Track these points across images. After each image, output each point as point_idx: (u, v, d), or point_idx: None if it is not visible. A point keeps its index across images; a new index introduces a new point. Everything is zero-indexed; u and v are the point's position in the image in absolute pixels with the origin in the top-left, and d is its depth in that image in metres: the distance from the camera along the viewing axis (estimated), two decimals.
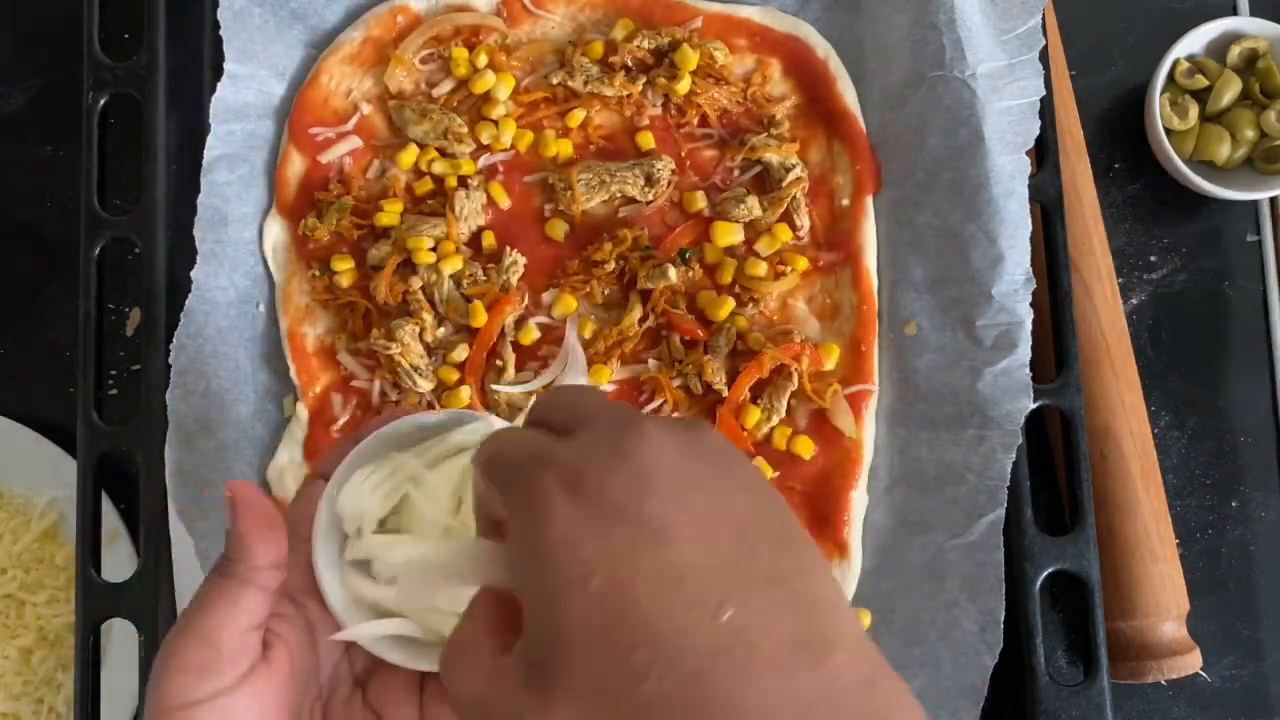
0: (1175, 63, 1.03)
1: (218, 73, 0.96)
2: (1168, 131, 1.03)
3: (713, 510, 0.48)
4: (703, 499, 0.48)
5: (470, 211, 0.98)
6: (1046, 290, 0.94)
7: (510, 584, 0.50)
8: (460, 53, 0.99)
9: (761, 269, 0.97)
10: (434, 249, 0.97)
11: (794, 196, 0.97)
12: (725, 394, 0.94)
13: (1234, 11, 1.10)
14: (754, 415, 0.94)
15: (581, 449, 0.49)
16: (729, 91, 1.00)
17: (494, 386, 0.95)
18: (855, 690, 0.44)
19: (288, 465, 0.96)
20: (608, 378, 0.95)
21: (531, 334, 0.96)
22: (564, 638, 0.45)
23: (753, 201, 0.97)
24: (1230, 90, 1.02)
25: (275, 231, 0.99)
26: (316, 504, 0.63)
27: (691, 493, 0.48)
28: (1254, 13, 1.10)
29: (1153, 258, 1.07)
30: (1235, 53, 1.04)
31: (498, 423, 0.67)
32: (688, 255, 0.97)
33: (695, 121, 0.99)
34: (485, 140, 0.99)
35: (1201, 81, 1.04)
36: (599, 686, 0.44)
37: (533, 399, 0.94)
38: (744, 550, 0.47)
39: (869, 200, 0.98)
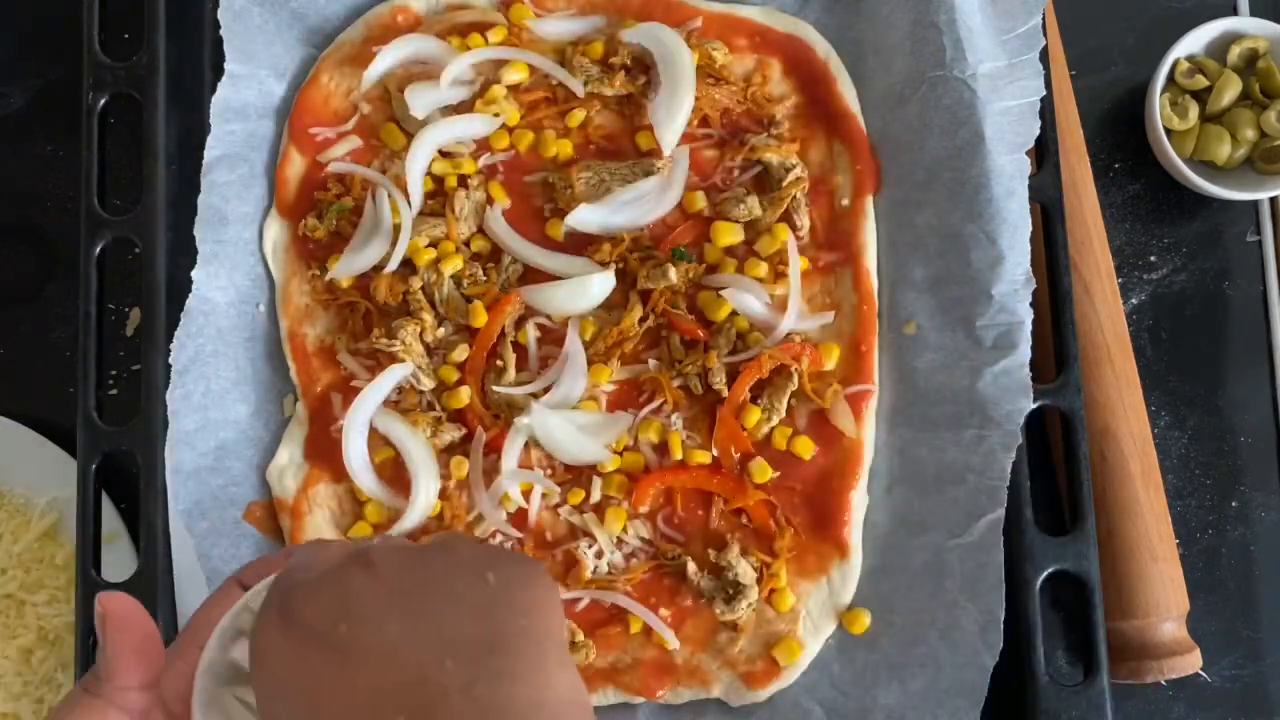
0: (1175, 63, 1.03)
1: (218, 73, 0.96)
2: (1168, 131, 1.03)
3: (411, 629, 0.50)
4: (400, 620, 0.50)
5: (470, 211, 0.98)
6: (1046, 290, 0.94)
7: None
8: (476, 38, 1.00)
9: (761, 269, 0.97)
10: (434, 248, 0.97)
11: (794, 196, 0.97)
12: (725, 394, 0.94)
13: (1234, 11, 1.10)
14: (754, 415, 0.94)
15: (299, 581, 0.52)
16: (729, 91, 1.00)
17: (494, 387, 0.95)
18: None
19: (288, 465, 0.96)
20: (608, 378, 0.95)
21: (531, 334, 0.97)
22: None
23: (753, 201, 0.97)
24: (1230, 90, 1.02)
25: (275, 231, 0.99)
26: (222, 611, 0.60)
27: (392, 614, 0.50)
28: (1254, 13, 1.10)
29: (1153, 258, 1.07)
30: (1235, 53, 1.04)
31: None
32: (683, 253, 0.97)
33: (695, 122, 0.99)
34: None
35: (1201, 81, 1.04)
36: None
37: (532, 400, 0.94)
38: (434, 663, 0.49)
39: (869, 200, 0.98)
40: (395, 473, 0.95)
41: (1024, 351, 0.91)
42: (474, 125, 0.99)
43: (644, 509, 0.94)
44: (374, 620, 0.50)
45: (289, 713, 0.50)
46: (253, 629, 0.53)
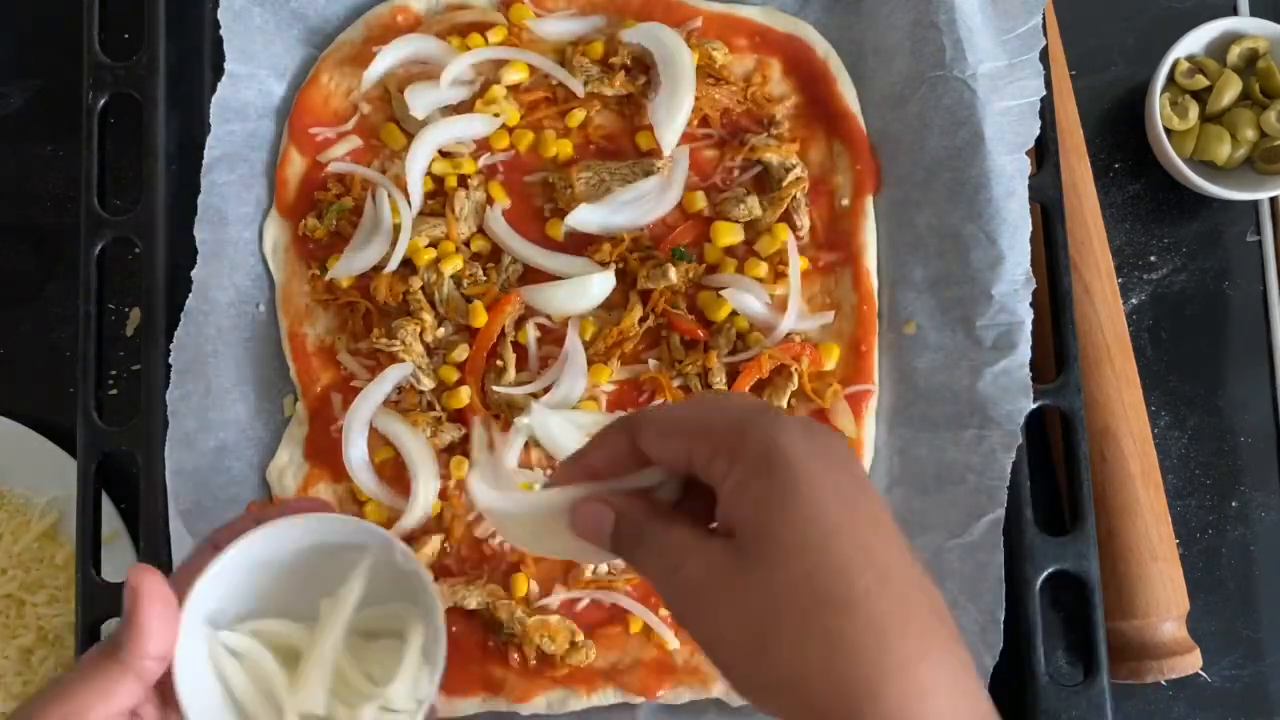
0: (1175, 63, 1.03)
1: (218, 73, 0.96)
2: (1168, 131, 1.03)
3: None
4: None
5: (470, 211, 0.98)
6: (1046, 290, 0.94)
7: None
8: (476, 38, 1.00)
9: (761, 269, 0.97)
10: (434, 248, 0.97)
11: (794, 196, 0.97)
12: None
13: (1234, 11, 1.10)
14: None
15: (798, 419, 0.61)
16: (729, 91, 1.00)
17: (494, 387, 0.95)
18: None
19: (288, 465, 0.96)
20: (608, 378, 0.95)
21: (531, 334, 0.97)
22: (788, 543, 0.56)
23: (753, 201, 0.97)
24: (1230, 90, 1.02)
25: (275, 231, 0.99)
26: (197, 572, 0.65)
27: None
28: (1254, 13, 1.10)
29: (1153, 258, 1.07)
30: (1235, 53, 1.04)
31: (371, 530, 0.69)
32: (683, 253, 0.97)
33: (695, 122, 0.99)
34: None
35: (1201, 81, 1.04)
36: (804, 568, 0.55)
37: (532, 400, 0.94)
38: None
39: (869, 200, 0.98)
40: (395, 473, 0.95)
41: (1024, 351, 0.91)
42: (474, 125, 0.99)
43: None
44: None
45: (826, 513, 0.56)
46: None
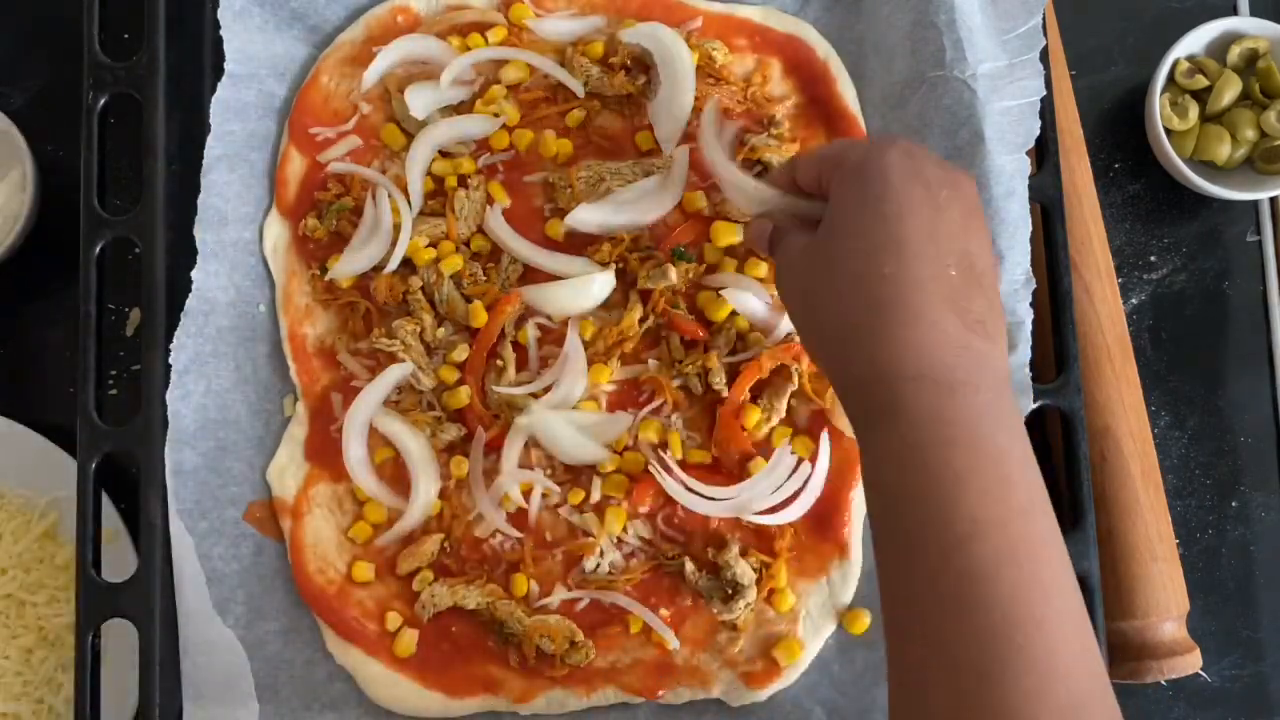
0: (1175, 63, 1.03)
1: (218, 73, 0.96)
2: (1168, 131, 1.03)
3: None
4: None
5: (470, 211, 0.98)
6: (1046, 290, 0.94)
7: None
8: (476, 38, 1.00)
9: (762, 269, 0.97)
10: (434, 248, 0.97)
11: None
12: (725, 394, 0.94)
13: (1234, 11, 1.10)
14: (754, 415, 0.94)
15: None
16: (729, 91, 1.00)
17: (494, 387, 0.95)
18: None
19: (288, 465, 0.96)
20: (608, 378, 0.95)
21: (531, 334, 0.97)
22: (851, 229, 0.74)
23: None
24: (1230, 90, 1.02)
25: (275, 231, 0.99)
26: None
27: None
28: (1254, 13, 1.10)
29: (1153, 258, 1.07)
30: (1235, 53, 1.04)
31: None
32: (683, 253, 0.97)
33: (695, 122, 0.99)
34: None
35: (1201, 81, 1.04)
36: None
37: (532, 400, 0.94)
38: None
39: None
40: (395, 473, 0.95)
41: (1024, 351, 0.91)
42: (474, 125, 0.99)
43: (644, 509, 0.95)
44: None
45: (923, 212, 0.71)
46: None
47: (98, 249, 0.94)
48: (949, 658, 0.63)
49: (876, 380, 0.69)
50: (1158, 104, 1.02)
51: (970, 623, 0.62)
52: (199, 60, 1.00)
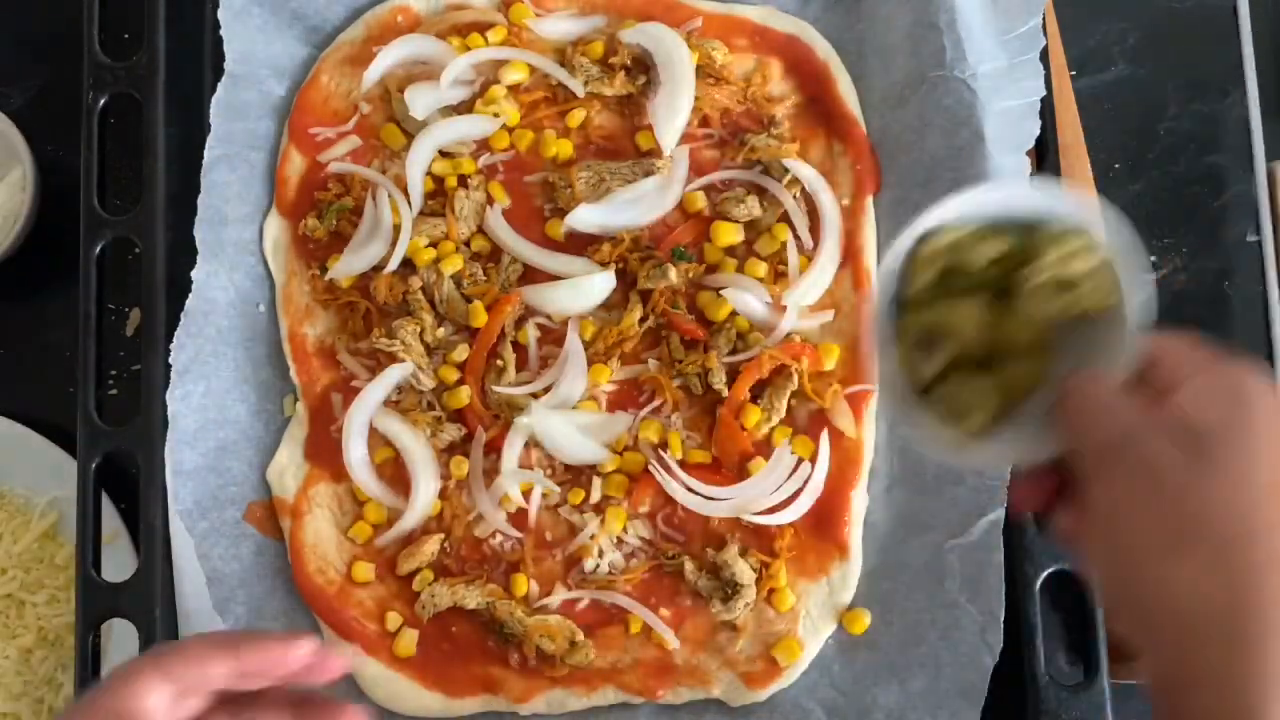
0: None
1: (218, 73, 0.97)
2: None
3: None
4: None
5: (470, 212, 0.98)
6: None
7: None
8: (476, 39, 1.00)
9: (761, 269, 0.97)
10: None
11: (794, 197, 0.97)
12: (725, 394, 0.94)
13: (1234, 13, 1.10)
14: (754, 415, 0.94)
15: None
16: (729, 91, 1.00)
17: (494, 387, 0.95)
18: None
19: (288, 465, 0.96)
20: (608, 378, 0.95)
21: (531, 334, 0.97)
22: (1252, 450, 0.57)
23: (753, 201, 0.97)
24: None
25: (275, 231, 0.99)
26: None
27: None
28: (1254, 13, 1.10)
29: (1153, 258, 1.07)
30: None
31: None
32: (683, 253, 0.97)
33: (695, 122, 0.99)
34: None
35: None
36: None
37: (532, 400, 0.94)
38: None
39: (869, 200, 0.98)
40: (395, 473, 0.95)
41: None
42: (475, 125, 0.99)
43: (644, 509, 0.94)
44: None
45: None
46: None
47: (98, 249, 0.94)
48: None
49: None
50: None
51: None
52: (199, 60, 1.00)
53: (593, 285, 0.94)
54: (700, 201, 0.98)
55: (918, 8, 0.96)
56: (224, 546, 0.94)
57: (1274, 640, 0.53)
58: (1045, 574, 0.90)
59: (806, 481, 0.93)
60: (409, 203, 0.96)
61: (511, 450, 0.94)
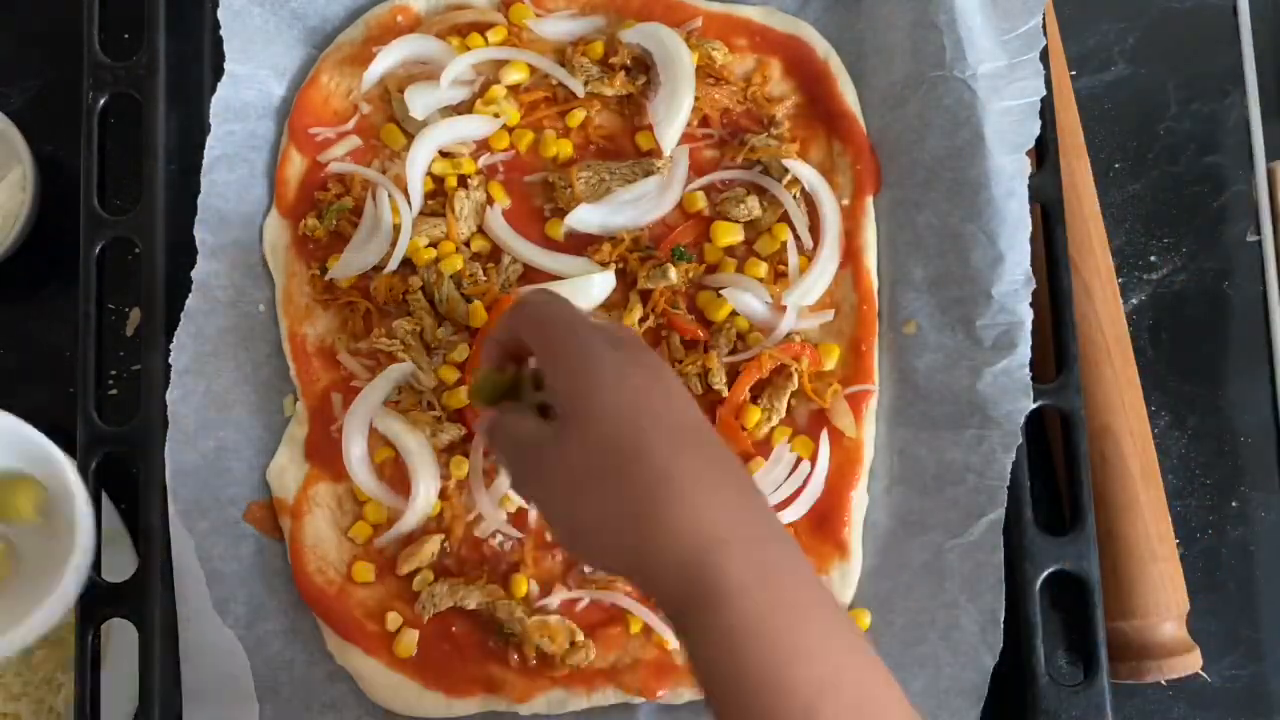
0: None
1: (218, 73, 0.96)
2: None
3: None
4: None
5: (470, 211, 0.98)
6: (1046, 290, 0.94)
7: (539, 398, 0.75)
8: (476, 39, 1.00)
9: (761, 269, 0.97)
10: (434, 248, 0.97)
11: (794, 197, 0.97)
12: (725, 394, 0.94)
13: (1234, 13, 1.10)
14: (754, 415, 0.94)
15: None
16: (729, 91, 1.00)
17: None
18: None
19: (288, 465, 0.96)
20: None
21: None
22: (593, 412, 0.69)
23: (753, 202, 0.97)
24: None
25: (275, 231, 0.99)
26: None
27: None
28: (1254, 13, 1.10)
29: (1153, 258, 1.07)
30: None
31: None
32: (683, 253, 0.97)
33: (695, 122, 0.99)
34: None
35: None
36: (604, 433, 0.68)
37: None
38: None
39: (869, 200, 0.98)
40: (395, 473, 0.95)
41: (1024, 351, 0.91)
42: (475, 126, 0.99)
43: None
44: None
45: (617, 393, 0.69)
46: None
47: (98, 249, 0.94)
48: None
49: (676, 569, 0.65)
50: None
51: None
52: (199, 60, 1.00)
53: (593, 285, 0.94)
54: (700, 201, 0.98)
55: (918, 8, 0.96)
56: (224, 546, 0.94)
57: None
58: (1045, 574, 0.90)
59: (806, 481, 0.94)
60: (409, 203, 0.96)
61: None
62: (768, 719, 0.62)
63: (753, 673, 0.63)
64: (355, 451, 0.94)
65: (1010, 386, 0.91)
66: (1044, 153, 0.96)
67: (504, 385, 0.77)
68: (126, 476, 0.94)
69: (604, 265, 0.96)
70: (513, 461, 0.74)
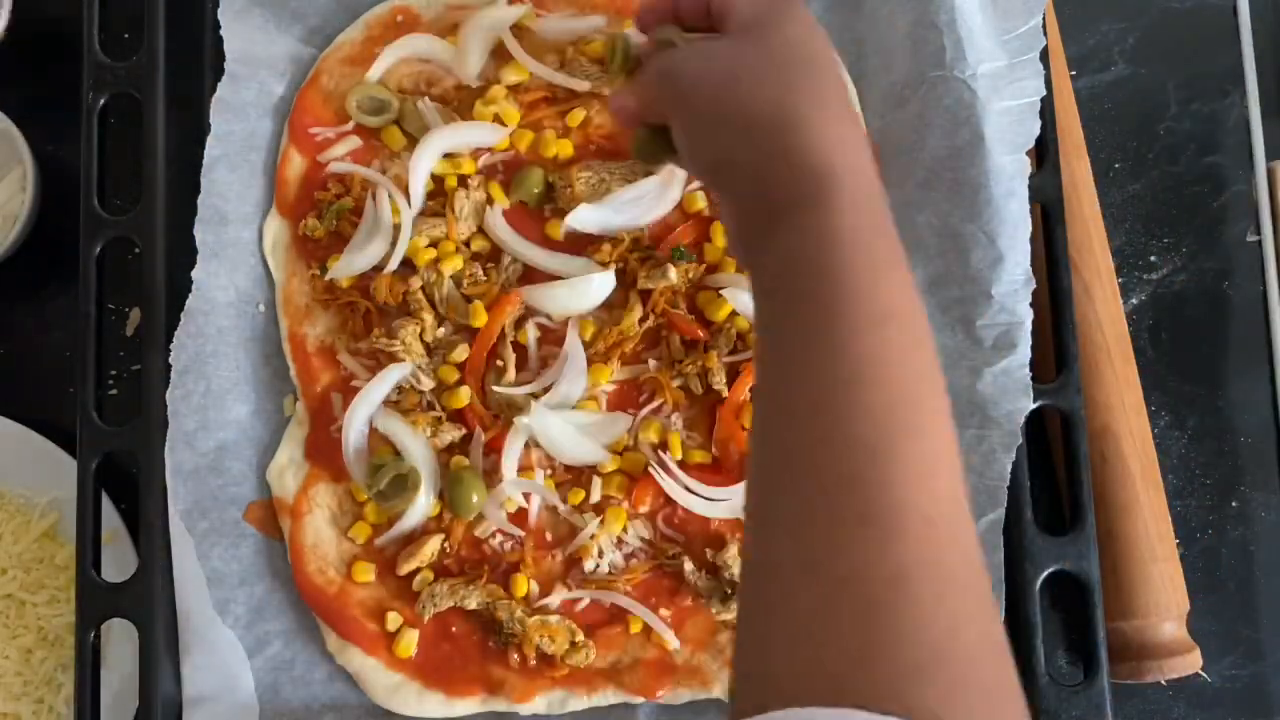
0: None
1: (218, 73, 0.96)
2: None
3: None
4: None
5: (470, 211, 0.98)
6: (1046, 290, 0.94)
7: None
8: None
9: None
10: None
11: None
12: (725, 394, 0.94)
13: (1234, 13, 1.10)
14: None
15: None
16: None
17: (494, 387, 0.95)
18: None
19: (288, 465, 0.96)
20: (608, 378, 0.95)
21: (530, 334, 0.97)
22: (782, 18, 0.72)
23: None
24: None
25: (275, 231, 0.99)
26: None
27: None
28: (1254, 13, 1.10)
29: (1153, 258, 1.07)
30: None
31: None
32: (683, 253, 0.97)
33: None
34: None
35: None
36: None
37: (532, 400, 0.94)
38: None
39: None
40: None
41: (1024, 351, 0.91)
42: (480, 133, 0.98)
43: (644, 509, 0.95)
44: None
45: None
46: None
47: (98, 249, 0.94)
48: (841, 434, 0.61)
49: (816, 164, 0.67)
50: None
51: (869, 398, 0.61)
52: (199, 60, 1.00)
53: (593, 285, 0.94)
54: (700, 201, 0.98)
55: (918, 8, 0.96)
56: (224, 546, 0.94)
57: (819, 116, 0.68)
58: (1045, 574, 0.90)
59: None
60: (409, 203, 0.96)
61: (512, 451, 0.94)
62: (840, 316, 0.64)
63: (842, 273, 0.64)
64: (355, 452, 0.94)
65: (1010, 386, 0.91)
66: (1044, 153, 0.96)
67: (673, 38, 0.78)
68: (126, 476, 0.95)
69: (604, 265, 0.96)
70: (679, 66, 0.74)
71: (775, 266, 0.68)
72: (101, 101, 0.95)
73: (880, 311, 0.63)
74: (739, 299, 0.95)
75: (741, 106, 0.70)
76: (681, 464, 0.94)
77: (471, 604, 0.93)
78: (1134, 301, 1.06)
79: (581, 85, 0.99)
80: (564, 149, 0.99)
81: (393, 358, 0.95)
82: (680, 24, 0.78)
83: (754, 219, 0.70)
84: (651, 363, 0.96)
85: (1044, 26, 0.95)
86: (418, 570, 0.94)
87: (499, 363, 0.96)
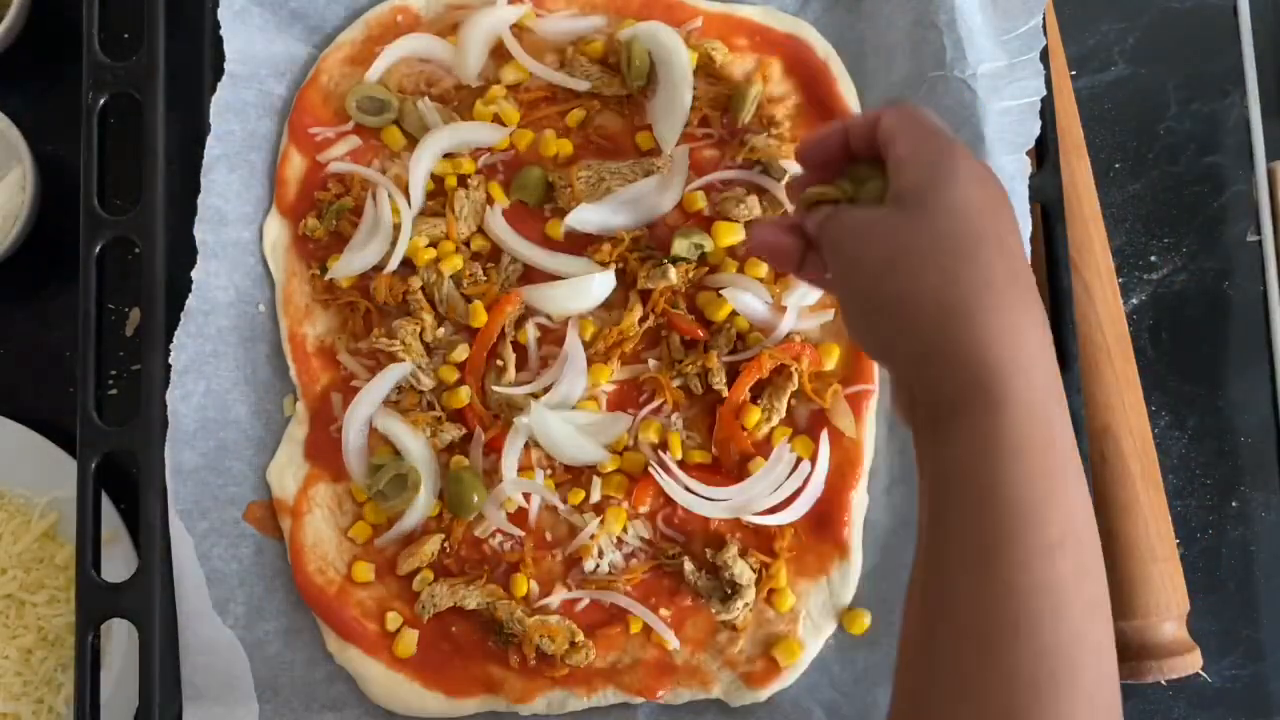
0: None
1: (218, 73, 0.96)
2: None
3: None
4: None
5: (470, 211, 0.98)
6: (1047, 290, 0.94)
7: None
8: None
9: (762, 269, 0.97)
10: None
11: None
12: (725, 394, 0.94)
13: (1234, 13, 1.10)
14: (754, 415, 0.94)
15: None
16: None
17: (494, 387, 0.95)
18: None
19: (287, 465, 0.96)
20: (607, 377, 0.95)
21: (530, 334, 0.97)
22: (949, 201, 0.67)
23: (753, 201, 0.97)
24: None
25: (275, 231, 0.99)
26: None
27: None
28: (1254, 13, 1.10)
29: (1153, 258, 1.07)
30: None
31: None
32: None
33: (695, 121, 0.99)
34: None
35: None
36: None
37: (532, 400, 0.94)
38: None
39: None
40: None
41: None
42: (481, 133, 0.98)
43: (644, 509, 0.95)
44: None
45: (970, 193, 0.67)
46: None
47: (98, 249, 0.94)
48: (1006, 668, 0.61)
49: (980, 365, 0.64)
50: None
51: (1035, 642, 0.61)
52: (199, 60, 1.00)
53: (593, 285, 0.94)
54: (700, 201, 0.98)
55: (918, 8, 0.96)
56: (224, 546, 0.94)
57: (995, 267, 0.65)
58: None
59: (806, 481, 0.93)
60: (409, 203, 0.96)
61: (512, 451, 0.94)
62: (1010, 539, 0.62)
63: (1010, 489, 0.62)
64: (355, 451, 0.94)
65: None
66: (1044, 153, 0.96)
67: (829, 196, 0.75)
68: (126, 476, 0.95)
69: (604, 265, 0.96)
70: (837, 237, 0.71)
71: (941, 469, 0.66)
72: (101, 101, 0.95)
73: (1049, 540, 0.62)
74: (739, 299, 0.95)
75: (900, 295, 0.66)
76: (681, 464, 0.94)
77: (471, 604, 0.93)
78: (1134, 301, 1.06)
79: (581, 85, 0.99)
80: (564, 149, 0.99)
81: (392, 357, 0.95)
82: (850, 156, 0.75)
83: (920, 409, 0.67)
84: (651, 363, 0.96)
85: (1044, 26, 0.95)
86: (418, 570, 0.94)
87: (499, 362, 0.96)
